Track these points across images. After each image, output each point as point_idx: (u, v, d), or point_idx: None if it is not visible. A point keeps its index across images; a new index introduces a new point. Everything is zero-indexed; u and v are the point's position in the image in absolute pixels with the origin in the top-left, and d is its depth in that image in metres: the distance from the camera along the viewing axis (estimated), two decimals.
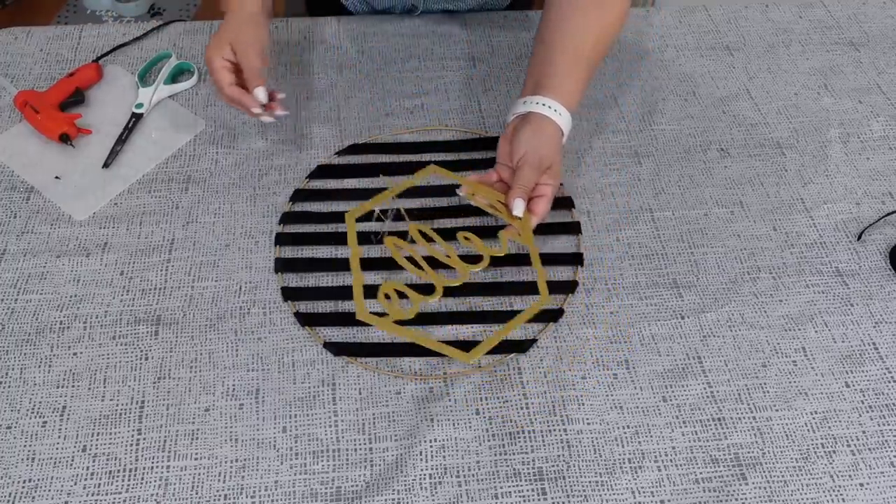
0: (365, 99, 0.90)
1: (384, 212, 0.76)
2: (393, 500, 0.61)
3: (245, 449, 0.63)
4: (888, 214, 0.81)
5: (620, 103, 0.91)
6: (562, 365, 0.69)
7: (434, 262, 0.70)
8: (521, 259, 0.74)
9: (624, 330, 0.71)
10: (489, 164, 0.83)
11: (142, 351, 0.69)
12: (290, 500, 0.61)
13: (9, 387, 0.66)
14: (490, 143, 0.86)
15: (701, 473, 0.63)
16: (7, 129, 0.85)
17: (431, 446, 0.64)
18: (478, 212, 0.75)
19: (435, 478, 0.62)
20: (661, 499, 0.62)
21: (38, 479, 0.61)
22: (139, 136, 0.86)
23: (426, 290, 0.67)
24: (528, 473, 0.63)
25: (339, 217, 0.79)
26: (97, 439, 0.63)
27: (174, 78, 0.91)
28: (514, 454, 0.64)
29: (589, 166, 0.84)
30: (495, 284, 0.74)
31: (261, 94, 0.74)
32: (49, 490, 0.61)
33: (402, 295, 0.67)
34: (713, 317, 0.73)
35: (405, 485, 0.62)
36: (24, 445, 0.63)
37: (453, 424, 0.65)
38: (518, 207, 0.69)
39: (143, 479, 0.62)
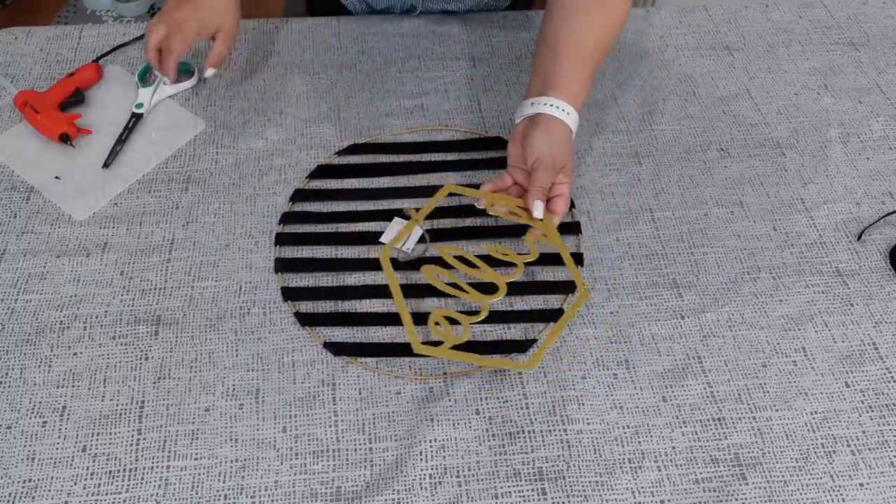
0: (365, 99, 0.90)
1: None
2: (393, 500, 0.61)
3: (245, 449, 0.63)
4: (888, 214, 0.81)
5: (620, 103, 0.91)
6: (562, 365, 0.69)
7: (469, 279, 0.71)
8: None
9: (624, 330, 0.71)
10: (489, 164, 0.84)
11: (142, 351, 0.69)
12: (290, 500, 0.61)
13: (9, 387, 0.66)
14: (490, 143, 0.86)
15: (701, 473, 0.63)
16: (7, 129, 0.85)
17: (431, 446, 0.64)
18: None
19: (435, 478, 0.62)
20: (661, 499, 0.62)
21: (38, 479, 0.61)
22: (139, 136, 0.86)
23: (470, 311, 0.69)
24: (528, 473, 0.63)
25: (339, 217, 0.79)
26: (97, 439, 0.63)
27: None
28: (514, 454, 0.64)
29: (589, 166, 0.84)
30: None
31: (210, 73, 0.84)
32: (49, 490, 0.61)
33: (451, 320, 0.68)
34: (713, 317, 0.73)
35: (405, 485, 0.62)
36: (24, 445, 0.63)
37: (453, 424, 0.65)
38: (538, 209, 0.70)
39: (143, 479, 0.62)
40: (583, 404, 0.67)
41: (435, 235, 0.77)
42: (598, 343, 0.70)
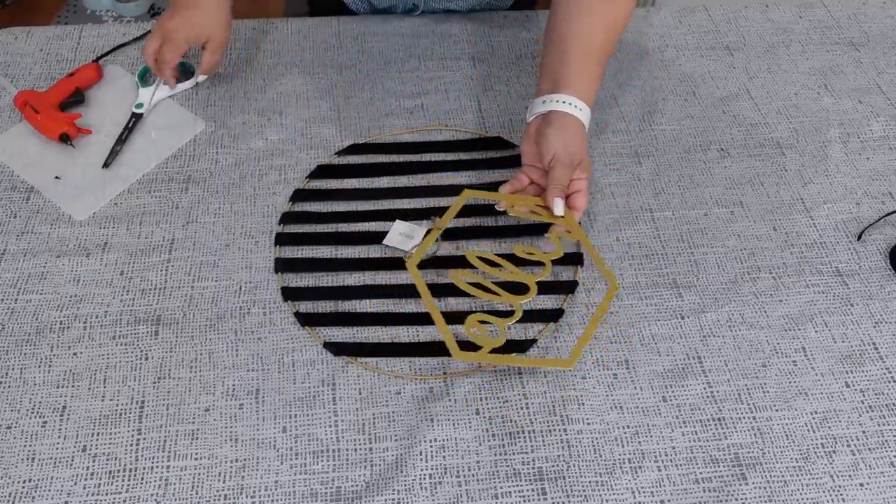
0: (365, 99, 0.90)
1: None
2: (393, 500, 0.61)
3: (245, 449, 0.63)
4: (888, 214, 0.81)
5: (620, 103, 0.91)
6: None
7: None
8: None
9: (624, 330, 0.71)
10: (489, 164, 0.84)
11: (142, 351, 0.69)
12: (290, 500, 0.61)
13: (9, 387, 0.66)
14: (490, 143, 0.86)
15: (701, 473, 0.63)
16: (7, 129, 0.85)
17: (431, 446, 0.64)
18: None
19: (435, 478, 0.62)
20: (661, 499, 0.62)
21: (38, 479, 0.61)
22: (139, 136, 0.86)
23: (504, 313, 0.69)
24: (528, 473, 0.63)
25: (339, 217, 0.79)
26: (97, 439, 0.63)
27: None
28: (514, 454, 0.64)
29: None
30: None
31: (202, 79, 0.90)
32: (49, 490, 0.61)
33: (486, 323, 0.68)
34: (713, 317, 0.73)
35: (405, 485, 0.62)
36: (24, 445, 0.63)
37: (453, 424, 0.65)
38: (558, 206, 0.71)
39: (143, 479, 0.62)
40: (583, 404, 0.67)
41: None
42: (597, 343, 0.70)
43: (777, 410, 0.67)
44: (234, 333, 0.70)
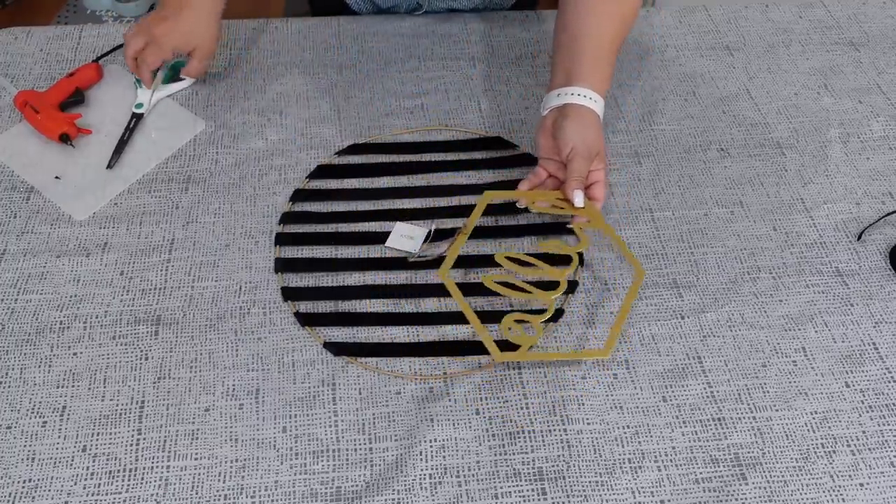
0: (365, 99, 0.90)
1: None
2: (393, 500, 0.61)
3: (245, 449, 0.63)
4: (888, 214, 0.81)
5: (620, 103, 0.91)
6: (562, 365, 0.69)
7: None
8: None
9: (624, 330, 0.71)
10: (489, 164, 0.84)
11: (142, 351, 0.69)
12: (290, 500, 0.61)
13: (9, 387, 0.66)
14: (490, 143, 0.86)
15: (701, 473, 0.63)
16: (7, 129, 0.85)
17: (431, 446, 0.64)
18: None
19: (435, 478, 0.62)
20: (661, 499, 0.62)
21: (38, 479, 0.61)
22: (139, 136, 0.86)
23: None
24: (528, 473, 0.63)
25: (339, 217, 0.79)
26: (97, 439, 0.63)
27: (172, 76, 0.91)
28: (514, 454, 0.64)
29: None
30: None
31: (188, 83, 0.90)
32: (49, 490, 0.61)
33: (521, 322, 0.69)
34: (713, 317, 0.73)
35: (405, 485, 0.62)
36: (24, 445, 0.63)
37: (453, 424, 0.65)
38: (578, 198, 0.72)
39: (143, 479, 0.62)
40: (583, 404, 0.67)
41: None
42: (598, 343, 0.70)
43: (777, 410, 0.67)
44: (234, 333, 0.70)
